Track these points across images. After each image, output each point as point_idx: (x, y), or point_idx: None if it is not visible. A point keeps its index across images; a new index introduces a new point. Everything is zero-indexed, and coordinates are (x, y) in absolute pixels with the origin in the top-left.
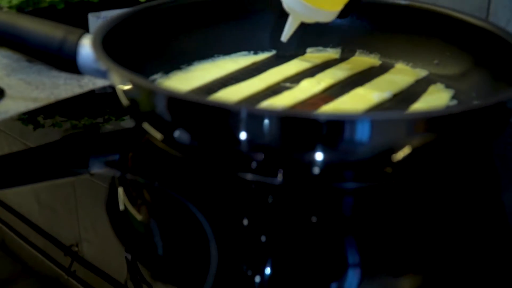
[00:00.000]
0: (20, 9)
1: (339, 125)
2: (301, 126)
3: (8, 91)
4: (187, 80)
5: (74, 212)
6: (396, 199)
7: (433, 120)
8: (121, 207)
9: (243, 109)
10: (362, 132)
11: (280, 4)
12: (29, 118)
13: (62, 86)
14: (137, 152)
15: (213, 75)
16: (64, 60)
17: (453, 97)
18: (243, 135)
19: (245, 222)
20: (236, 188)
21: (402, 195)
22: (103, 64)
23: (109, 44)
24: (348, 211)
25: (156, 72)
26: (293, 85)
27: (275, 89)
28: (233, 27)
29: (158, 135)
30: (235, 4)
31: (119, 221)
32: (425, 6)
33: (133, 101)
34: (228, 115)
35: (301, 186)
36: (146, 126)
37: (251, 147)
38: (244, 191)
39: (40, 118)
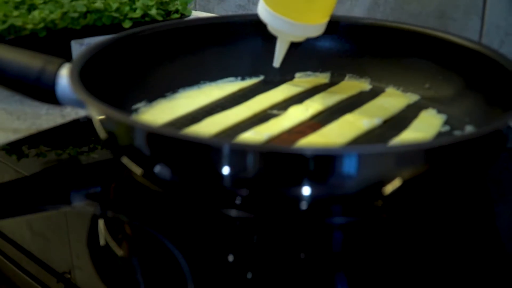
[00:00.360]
0: (1, 37)
1: (325, 159)
2: (286, 161)
3: None
4: (171, 108)
5: (66, 239)
6: (388, 233)
7: (424, 152)
8: (102, 242)
9: (224, 145)
10: (350, 166)
11: (265, 27)
12: (12, 149)
13: (44, 117)
14: (119, 185)
15: (198, 103)
16: (42, 91)
17: (446, 123)
18: (225, 170)
19: (230, 259)
20: (220, 225)
21: (393, 228)
22: (79, 96)
23: (89, 74)
24: (338, 246)
25: (140, 100)
26: (281, 112)
27: (261, 117)
28: (218, 53)
29: (138, 170)
30: (220, 30)
31: (100, 256)
32: (416, 28)
33: (111, 134)
34: (208, 151)
35: (288, 222)
36: (125, 160)
37: (234, 183)
38: (228, 228)
39: (24, 148)
